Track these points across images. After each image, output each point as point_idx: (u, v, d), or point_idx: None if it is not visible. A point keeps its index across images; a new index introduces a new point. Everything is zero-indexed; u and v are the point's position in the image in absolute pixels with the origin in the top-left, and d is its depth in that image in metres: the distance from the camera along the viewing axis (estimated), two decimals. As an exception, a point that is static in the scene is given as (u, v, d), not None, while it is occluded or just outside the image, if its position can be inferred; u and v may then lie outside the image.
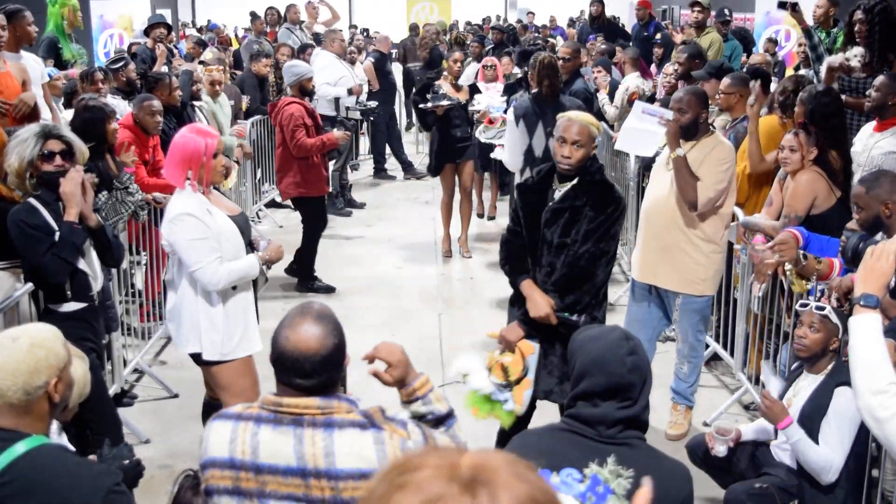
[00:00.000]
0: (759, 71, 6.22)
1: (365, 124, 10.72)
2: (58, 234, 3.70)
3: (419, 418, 2.35)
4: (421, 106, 7.36)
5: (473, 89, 7.76)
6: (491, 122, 7.41)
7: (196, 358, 3.77)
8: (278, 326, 2.17)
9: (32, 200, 3.74)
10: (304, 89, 6.89)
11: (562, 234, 3.71)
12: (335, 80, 9.05)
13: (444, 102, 7.29)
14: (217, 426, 2.17)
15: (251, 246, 3.83)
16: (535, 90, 6.23)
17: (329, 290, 6.83)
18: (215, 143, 3.64)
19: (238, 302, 3.71)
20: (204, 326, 3.66)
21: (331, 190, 9.29)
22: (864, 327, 2.40)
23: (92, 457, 2.74)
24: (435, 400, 2.37)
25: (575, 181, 3.74)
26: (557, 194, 3.78)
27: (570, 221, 3.70)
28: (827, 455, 3.37)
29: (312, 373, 2.09)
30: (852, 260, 2.86)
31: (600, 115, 7.80)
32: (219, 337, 3.68)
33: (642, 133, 4.54)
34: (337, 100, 7.97)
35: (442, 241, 7.87)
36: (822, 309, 3.52)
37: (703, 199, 4.31)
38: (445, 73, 7.81)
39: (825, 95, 4.54)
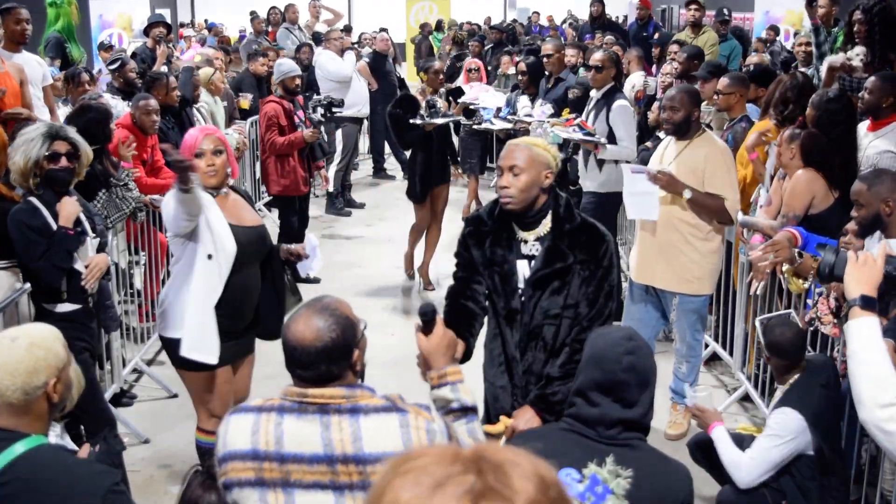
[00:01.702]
0: (766, 71, 6.19)
1: (366, 123, 10.67)
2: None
3: (444, 407, 2.38)
4: (413, 121, 6.40)
5: (458, 92, 7.43)
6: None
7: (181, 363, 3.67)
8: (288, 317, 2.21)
9: (34, 200, 3.76)
10: (287, 88, 6.89)
11: (551, 304, 3.08)
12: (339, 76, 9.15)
13: (439, 120, 6.52)
14: (236, 419, 2.16)
15: (286, 262, 3.79)
16: (612, 84, 6.04)
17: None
18: (196, 141, 3.53)
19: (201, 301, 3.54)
20: (188, 320, 3.54)
21: (331, 189, 9.32)
22: (864, 332, 2.29)
23: (84, 449, 2.72)
24: (463, 391, 2.39)
25: (545, 232, 3.10)
26: (527, 248, 3.12)
27: (560, 287, 3.07)
28: (736, 459, 3.41)
29: (309, 364, 2.10)
30: (829, 278, 2.79)
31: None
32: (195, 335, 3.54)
33: (642, 197, 4.50)
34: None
35: (420, 269, 6.97)
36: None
37: (734, 211, 4.42)
38: (425, 86, 6.89)
39: (834, 102, 4.51)
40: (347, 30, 15.56)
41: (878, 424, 2.23)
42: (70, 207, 3.79)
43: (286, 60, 7.61)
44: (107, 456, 2.64)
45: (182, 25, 17.72)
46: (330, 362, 2.11)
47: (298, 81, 7.00)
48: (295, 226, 7.08)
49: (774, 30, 12.23)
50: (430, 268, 6.96)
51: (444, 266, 6.44)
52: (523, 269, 3.13)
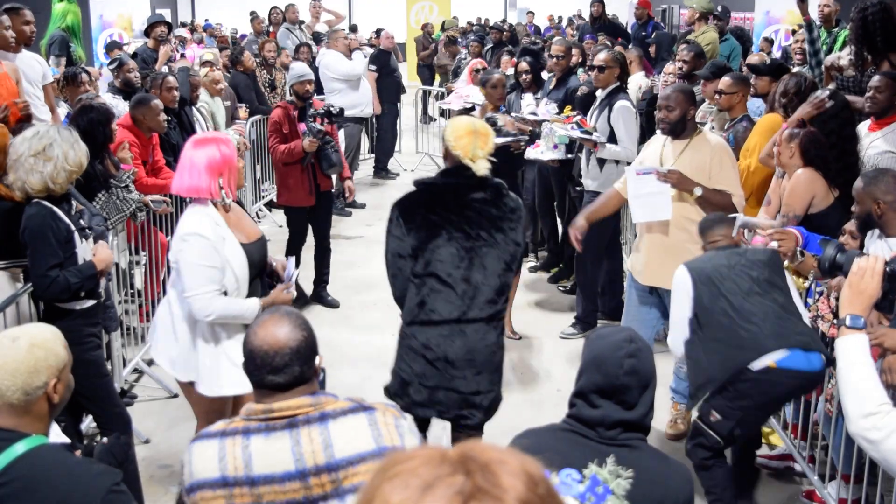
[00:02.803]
0: (781, 67, 6.18)
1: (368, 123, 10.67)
2: (75, 233, 3.67)
3: None
4: None
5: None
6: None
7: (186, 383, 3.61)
8: (248, 329, 2.20)
9: (44, 202, 3.62)
10: (297, 93, 6.55)
11: None
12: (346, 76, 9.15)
13: (500, 140, 5.70)
14: (200, 447, 2.13)
15: (269, 275, 3.66)
16: (617, 84, 5.98)
17: (304, 298, 6.58)
18: (231, 154, 3.45)
19: (231, 335, 3.46)
20: (201, 357, 3.46)
21: (333, 189, 9.27)
22: (852, 351, 2.34)
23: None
24: None
25: None
26: None
27: None
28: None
29: (284, 366, 2.10)
30: (829, 271, 2.80)
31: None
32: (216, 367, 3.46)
33: (650, 198, 4.44)
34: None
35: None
36: None
37: (741, 207, 4.44)
38: (485, 101, 6.30)
39: (828, 99, 4.52)
40: (353, 29, 15.57)
41: (863, 434, 2.26)
42: (106, 255, 3.80)
43: (298, 64, 7.20)
44: (108, 454, 2.64)
45: (182, 25, 17.74)
46: (302, 363, 2.12)
47: (308, 87, 6.59)
48: (300, 241, 6.76)
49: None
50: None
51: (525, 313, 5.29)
52: None
